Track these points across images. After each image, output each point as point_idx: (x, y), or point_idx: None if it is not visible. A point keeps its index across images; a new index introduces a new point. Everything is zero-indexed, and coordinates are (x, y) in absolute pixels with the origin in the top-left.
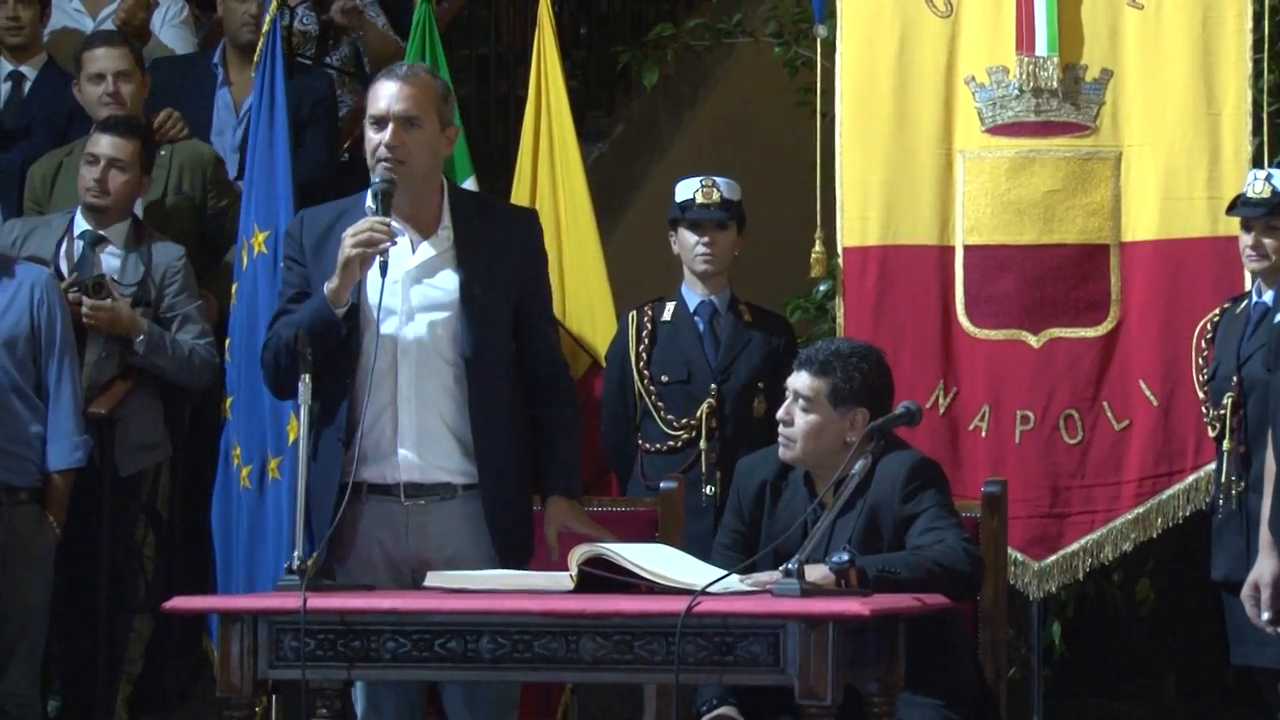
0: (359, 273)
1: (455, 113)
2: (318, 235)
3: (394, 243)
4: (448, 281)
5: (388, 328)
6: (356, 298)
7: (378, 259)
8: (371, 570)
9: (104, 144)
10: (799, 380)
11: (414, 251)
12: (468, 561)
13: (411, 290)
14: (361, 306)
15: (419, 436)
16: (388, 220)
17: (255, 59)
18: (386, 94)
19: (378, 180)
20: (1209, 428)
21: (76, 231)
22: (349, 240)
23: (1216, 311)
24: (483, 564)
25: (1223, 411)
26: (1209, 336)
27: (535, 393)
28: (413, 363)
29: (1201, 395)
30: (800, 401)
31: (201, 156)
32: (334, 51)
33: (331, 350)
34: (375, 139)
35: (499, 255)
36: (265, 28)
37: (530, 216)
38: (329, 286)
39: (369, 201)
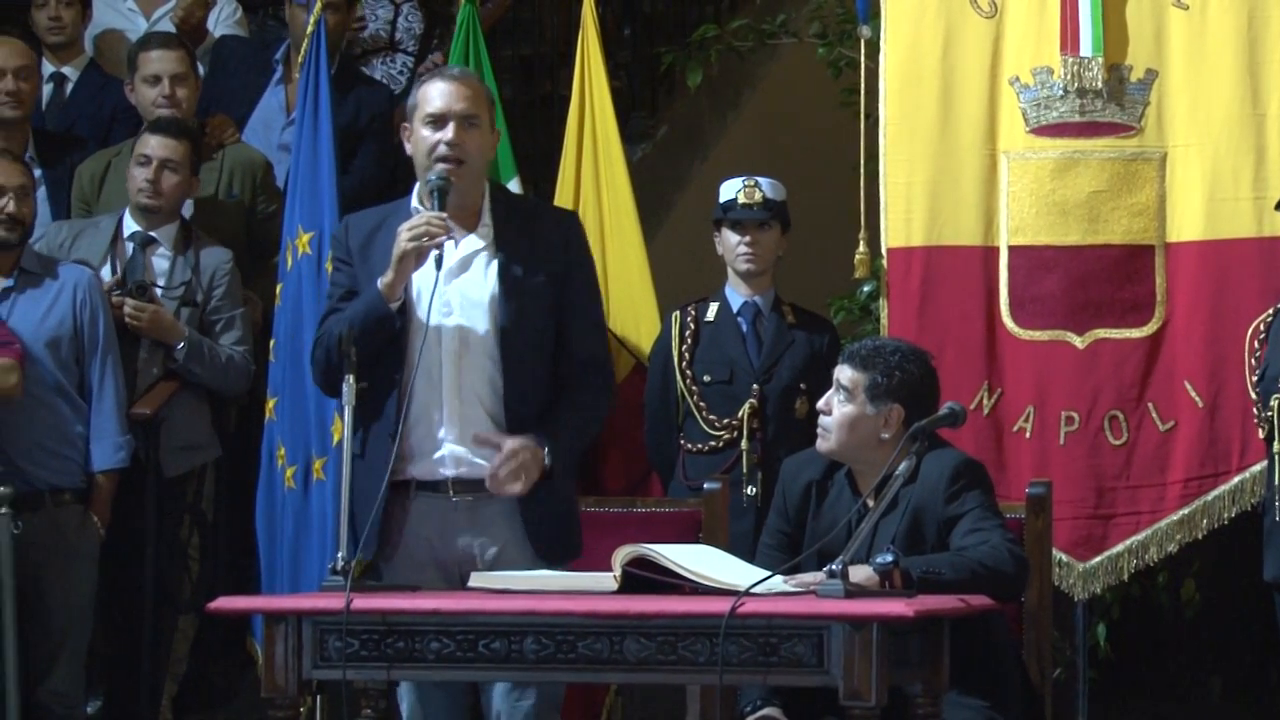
0: (414, 266)
1: (499, 115)
2: (363, 238)
3: (450, 237)
4: (489, 276)
5: (431, 322)
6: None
7: (433, 253)
8: (419, 569)
9: (156, 145)
10: (841, 372)
11: (456, 247)
12: (515, 559)
13: (453, 285)
14: (406, 303)
15: (464, 430)
16: (444, 215)
17: (299, 59)
18: (443, 93)
19: (434, 179)
20: (1259, 429)
21: (126, 233)
22: (405, 234)
23: (1270, 312)
24: (531, 561)
25: (1270, 413)
26: (1262, 337)
27: (570, 396)
28: (456, 357)
29: (1254, 396)
30: (840, 393)
31: (252, 161)
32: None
33: (382, 346)
34: (435, 137)
35: (539, 251)
36: (310, 29)
37: (571, 217)
38: (383, 281)
39: (415, 202)
